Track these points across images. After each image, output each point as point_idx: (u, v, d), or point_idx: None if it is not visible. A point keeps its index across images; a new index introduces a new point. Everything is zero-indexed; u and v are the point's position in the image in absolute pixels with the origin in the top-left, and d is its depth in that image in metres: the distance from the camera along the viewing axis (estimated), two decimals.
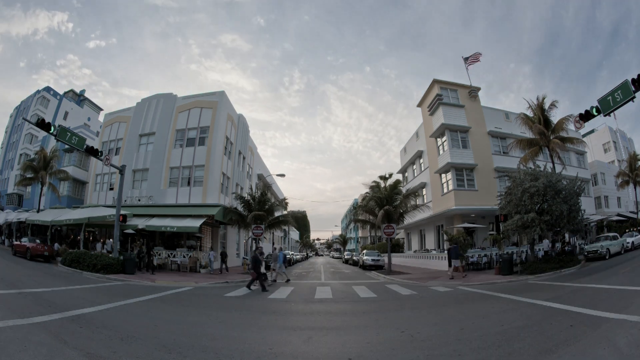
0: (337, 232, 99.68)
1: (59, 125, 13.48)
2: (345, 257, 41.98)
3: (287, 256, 26.30)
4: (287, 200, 26.05)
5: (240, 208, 21.53)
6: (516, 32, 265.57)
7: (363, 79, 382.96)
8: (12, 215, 26.86)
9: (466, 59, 25.69)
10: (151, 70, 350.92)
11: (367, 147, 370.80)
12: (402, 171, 34.20)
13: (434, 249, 25.19)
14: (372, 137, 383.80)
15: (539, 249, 17.21)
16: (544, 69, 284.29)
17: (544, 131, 18.81)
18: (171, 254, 19.30)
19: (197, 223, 18.26)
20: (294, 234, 76.80)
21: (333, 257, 67.01)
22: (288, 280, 15.35)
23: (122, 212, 16.09)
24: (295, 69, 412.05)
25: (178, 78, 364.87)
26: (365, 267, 24.27)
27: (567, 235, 18.96)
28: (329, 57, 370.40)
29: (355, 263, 31.85)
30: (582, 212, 15.46)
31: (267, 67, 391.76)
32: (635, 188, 29.38)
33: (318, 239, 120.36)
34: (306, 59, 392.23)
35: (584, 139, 26.08)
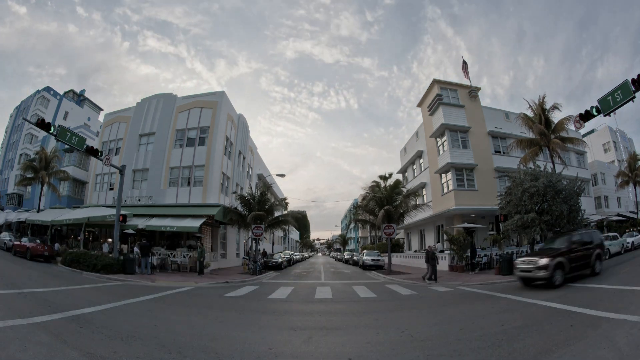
0: (337, 232, 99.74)
1: (59, 125, 13.47)
2: (346, 257, 41.94)
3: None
4: (287, 201, 26.06)
5: (240, 208, 21.53)
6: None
7: (484, 7, 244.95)
8: (12, 215, 26.88)
9: (464, 65, 25.58)
10: None
11: None
12: (402, 171, 34.19)
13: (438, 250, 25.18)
14: None
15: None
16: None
17: (544, 131, 18.80)
18: (171, 254, 19.28)
19: (197, 223, 18.25)
20: (294, 234, 76.77)
21: (333, 257, 67.07)
22: None
23: (122, 212, 16.09)
24: None
25: None
26: (365, 267, 24.26)
27: None
28: None
29: (355, 263, 31.82)
30: (582, 212, 15.45)
31: None
32: (635, 188, 29.38)
33: (318, 239, 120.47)
34: None
35: (584, 139, 26.06)
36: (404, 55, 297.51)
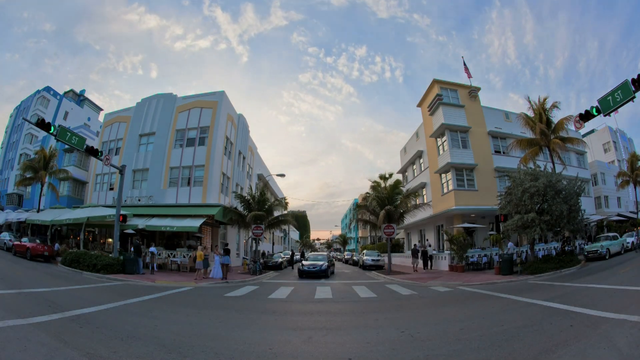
0: (337, 232, 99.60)
1: (59, 125, 13.46)
2: (345, 257, 41.97)
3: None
4: (287, 200, 26.05)
5: (240, 208, 21.53)
6: None
7: None
8: (12, 215, 26.85)
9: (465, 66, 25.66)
10: None
11: None
12: (402, 171, 34.16)
13: (434, 249, 25.18)
14: None
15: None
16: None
17: (545, 131, 18.79)
18: (171, 254, 19.28)
19: (197, 223, 18.25)
20: (294, 234, 76.78)
21: (333, 257, 67.04)
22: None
23: (122, 212, 16.08)
24: None
25: None
26: (365, 267, 24.26)
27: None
28: None
29: (355, 263, 31.83)
30: (582, 212, 15.46)
31: None
32: (635, 188, 29.33)
33: (318, 239, 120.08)
34: None
35: (584, 139, 26.04)
36: (467, 19, 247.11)
